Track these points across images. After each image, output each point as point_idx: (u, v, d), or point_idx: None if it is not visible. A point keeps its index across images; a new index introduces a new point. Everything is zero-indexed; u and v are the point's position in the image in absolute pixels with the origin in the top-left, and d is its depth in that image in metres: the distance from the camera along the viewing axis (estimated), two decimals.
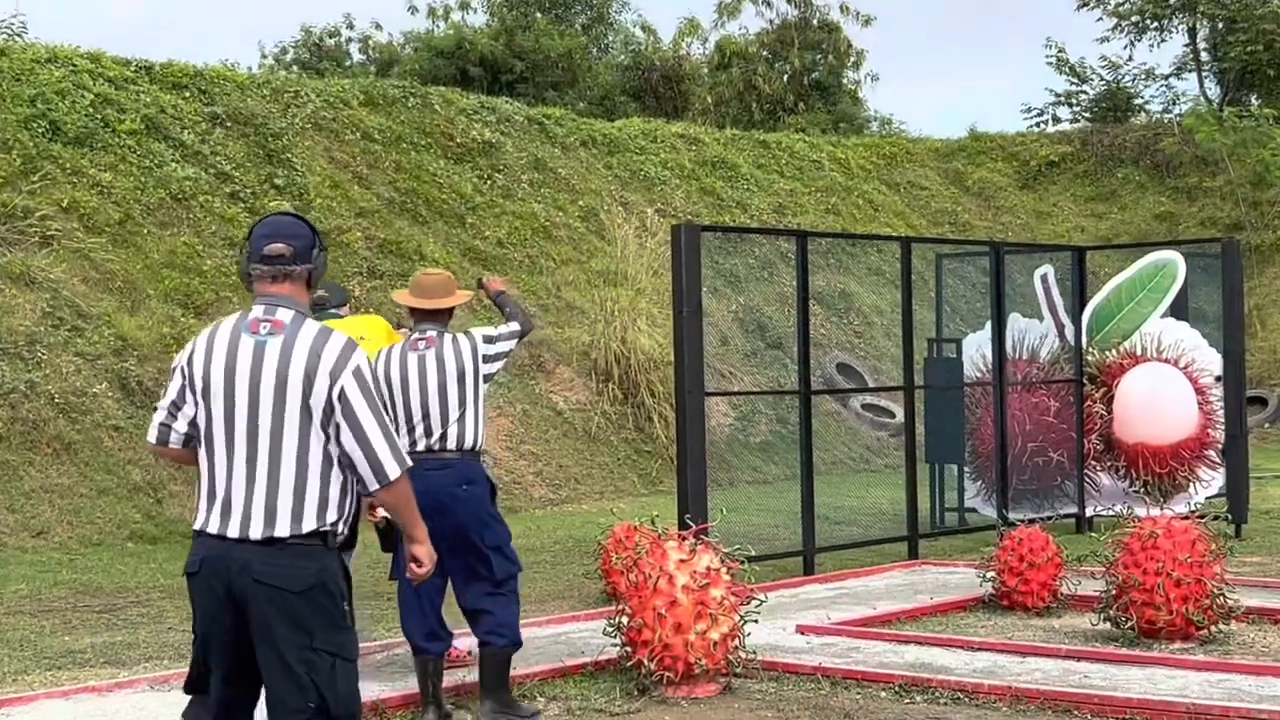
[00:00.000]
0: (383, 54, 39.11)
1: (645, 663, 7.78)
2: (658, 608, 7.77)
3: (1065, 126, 35.32)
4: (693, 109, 34.15)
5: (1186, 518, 9.56)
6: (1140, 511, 10.90)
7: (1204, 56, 35.65)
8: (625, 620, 7.93)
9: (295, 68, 37.88)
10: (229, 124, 19.70)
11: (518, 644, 7.47)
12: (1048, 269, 15.19)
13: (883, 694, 7.82)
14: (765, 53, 35.90)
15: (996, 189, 31.62)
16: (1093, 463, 14.78)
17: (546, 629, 9.42)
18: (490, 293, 8.22)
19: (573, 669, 8.39)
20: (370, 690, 7.86)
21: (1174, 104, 35.46)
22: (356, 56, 40.01)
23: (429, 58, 35.20)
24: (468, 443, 7.37)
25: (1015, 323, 14.72)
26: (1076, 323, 14.87)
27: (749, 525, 13.94)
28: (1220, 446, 14.47)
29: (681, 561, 7.90)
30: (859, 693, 7.87)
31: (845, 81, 36.72)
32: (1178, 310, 15.02)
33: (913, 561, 12.66)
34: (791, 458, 17.61)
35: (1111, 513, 13.98)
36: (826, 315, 23.91)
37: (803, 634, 9.39)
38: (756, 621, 8.25)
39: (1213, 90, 35.27)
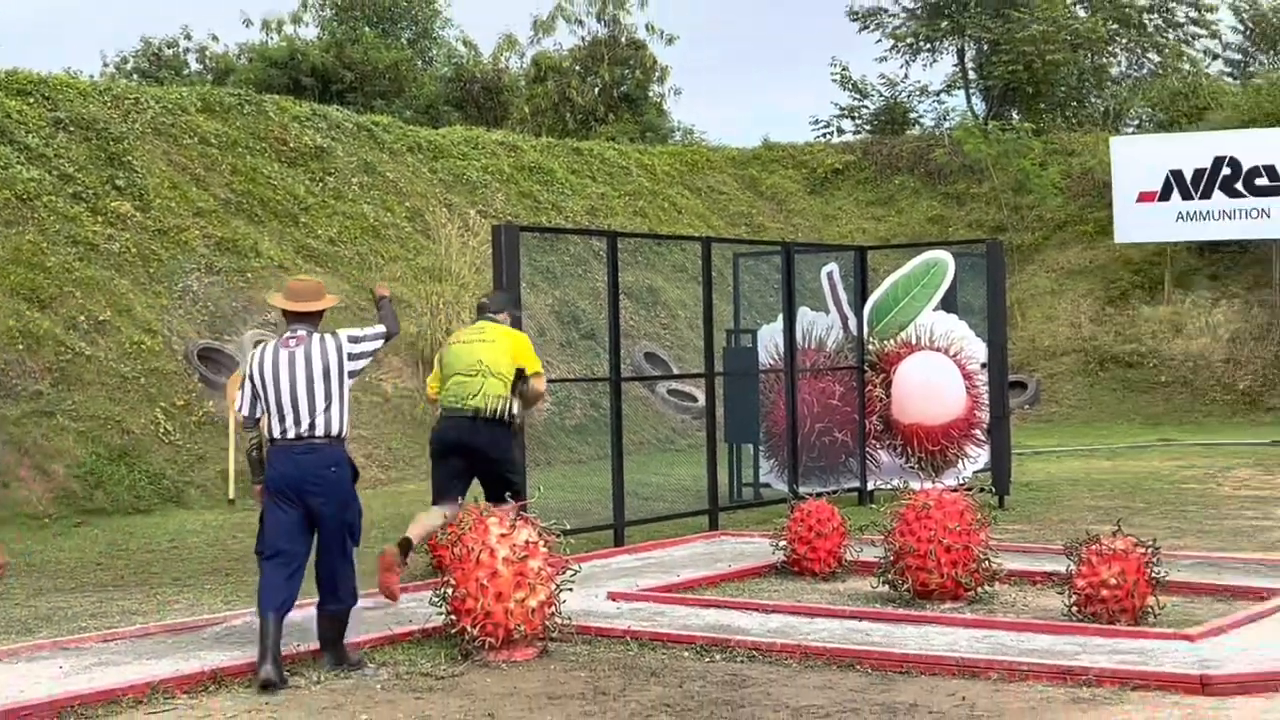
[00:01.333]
0: (219, 64, 38.24)
1: (468, 630, 7.79)
2: (480, 579, 7.77)
3: (849, 138, 35.83)
4: (511, 118, 34.00)
5: (956, 490, 9.78)
6: (915, 485, 11.12)
7: (971, 75, 36.43)
8: (450, 591, 7.92)
9: (136, 76, 36.90)
10: (72, 128, 19.14)
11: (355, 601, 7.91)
12: (833, 266, 15.41)
13: (686, 654, 7.89)
14: (578, 67, 35.85)
15: (788, 194, 31.99)
16: (873, 441, 15.03)
17: (377, 600, 9.34)
18: (376, 297, 8.55)
19: (401, 636, 8.35)
20: (210, 659, 7.74)
21: (944, 118, 36.19)
22: (194, 66, 39.05)
23: (263, 68, 34.54)
24: (334, 430, 7.68)
25: (804, 315, 14.91)
26: (859, 315, 15.11)
27: (565, 502, 13.94)
28: (985, 426, 14.82)
29: (502, 536, 7.90)
30: (664, 653, 7.93)
31: (651, 94, 36.82)
32: (948, 304, 15.34)
33: (713, 533, 12.76)
34: (603, 439, 17.66)
35: (890, 486, 14.23)
36: (635, 308, 24.01)
37: (613, 600, 9.42)
38: (571, 590, 8.27)
39: (979, 106, 36.07)
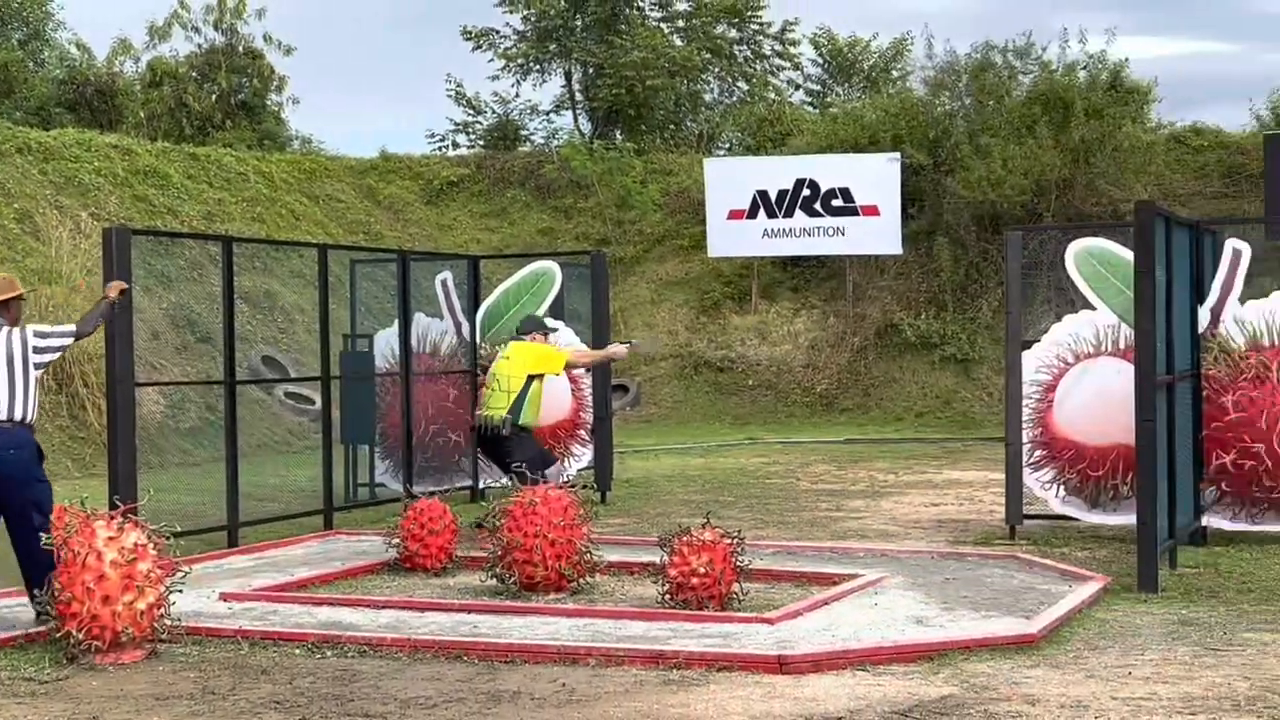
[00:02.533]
0: None
1: (74, 634, 7.43)
2: (86, 582, 7.42)
3: (464, 151, 35.80)
4: (126, 122, 32.52)
5: (561, 488, 9.90)
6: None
7: (578, 97, 36.99)
8: (55, 594, 7.52)
9: None
10: None
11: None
12: (447, 274, 15.39)
13: (297, 651, 7.72)
14: (195, 74, 34.65)
15: (405, 203, 31.77)
16: None
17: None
18: (110, 298, 9.09)
19: (3, 642, 7.87)
20: None
21: (554, 136, 36.54)
22: None
23: None
24: (17, 415, 8.28)
25: (420, 321, 14.83)
26: (471, 321, 15.14)
27: (178, 504, 13.44)
28: (589, 426, 15.08)
29: (110, 539, 7.57)
30: (275, 651, 7.74)
31: (269, 103, 35.88)
32: (556, 311, 15.48)
33: (328, 532, 12.55)
34: (219, 441, 17.06)
35: (499, 485, 14.33)
36: (252, 313, 23.36)
37: (225, 601, 9.14)
38: (182, 591, 7.98)
39: (585, 125, 36.65)
